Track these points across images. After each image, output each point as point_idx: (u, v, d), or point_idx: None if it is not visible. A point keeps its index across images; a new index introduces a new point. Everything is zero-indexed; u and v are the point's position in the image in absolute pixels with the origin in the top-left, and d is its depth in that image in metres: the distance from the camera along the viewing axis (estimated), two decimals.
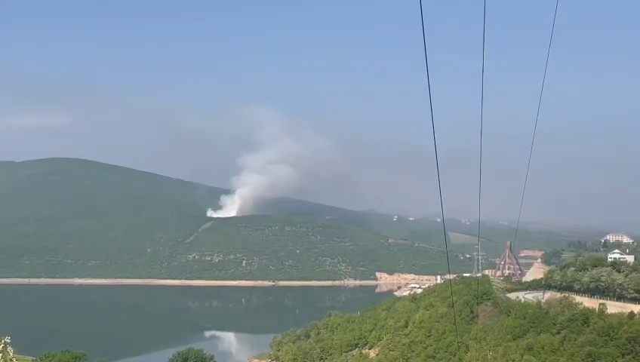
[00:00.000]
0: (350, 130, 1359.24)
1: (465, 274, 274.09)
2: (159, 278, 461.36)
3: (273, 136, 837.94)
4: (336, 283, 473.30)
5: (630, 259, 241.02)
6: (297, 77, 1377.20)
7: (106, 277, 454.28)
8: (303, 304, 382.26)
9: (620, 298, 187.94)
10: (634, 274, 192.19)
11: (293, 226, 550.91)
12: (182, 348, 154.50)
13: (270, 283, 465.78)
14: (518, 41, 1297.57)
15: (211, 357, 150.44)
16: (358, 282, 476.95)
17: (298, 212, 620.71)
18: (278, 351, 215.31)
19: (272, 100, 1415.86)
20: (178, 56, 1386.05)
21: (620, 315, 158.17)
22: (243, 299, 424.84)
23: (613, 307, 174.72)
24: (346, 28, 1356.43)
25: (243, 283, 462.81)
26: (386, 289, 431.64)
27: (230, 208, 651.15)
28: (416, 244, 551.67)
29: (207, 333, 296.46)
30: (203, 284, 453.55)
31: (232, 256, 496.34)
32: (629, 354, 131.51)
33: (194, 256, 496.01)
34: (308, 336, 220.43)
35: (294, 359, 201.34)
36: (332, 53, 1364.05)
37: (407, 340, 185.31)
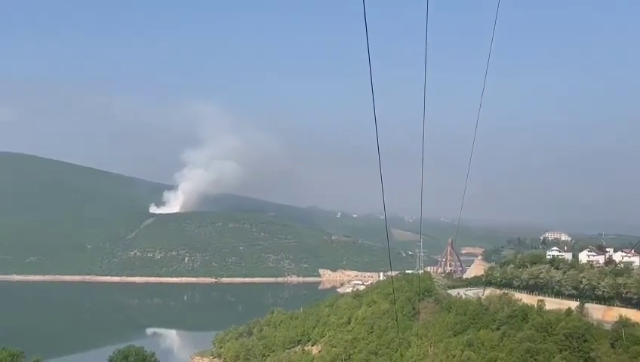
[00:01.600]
0: (296, 127, 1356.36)
1: (407, 271, 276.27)
2: (99, 275, 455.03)
3: (217, 132, 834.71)
4: (280, 279, 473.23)
5: (568, 256, 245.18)
6: (242, 73, 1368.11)
7: (44, 274, 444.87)
8: (246, 301, 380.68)
9: (558, 294, 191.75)
10: (571, 272, 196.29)
11: (236, 223, 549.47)
12: (122, 346, 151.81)
13: (213, 279, 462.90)
14: (462, 42, 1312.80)
15: (152, 355, 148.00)
16: (301, 279, 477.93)
17: (242, 208, 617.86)
18: (221, 348, 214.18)
19: (216, 96, 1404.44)
20: (118, 51, 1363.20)
21: (557, 311, 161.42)
22: (185, 296, 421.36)
23: (552, 303, 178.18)
24: (292, 25, 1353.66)
25: (185, 279, 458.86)
26: (329, 286, 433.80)
27: (173, 204, 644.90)
28: (359, 241, 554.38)
29: (149, 331, 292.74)
30: (144, 281, 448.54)
31: (174, 253, 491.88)
32: (566, 349, 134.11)
33: (135, 253, 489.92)
34: (250, 333, 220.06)
35: (237, 356, 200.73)
36: (278, 50, 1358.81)
37: (350, 336, 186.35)
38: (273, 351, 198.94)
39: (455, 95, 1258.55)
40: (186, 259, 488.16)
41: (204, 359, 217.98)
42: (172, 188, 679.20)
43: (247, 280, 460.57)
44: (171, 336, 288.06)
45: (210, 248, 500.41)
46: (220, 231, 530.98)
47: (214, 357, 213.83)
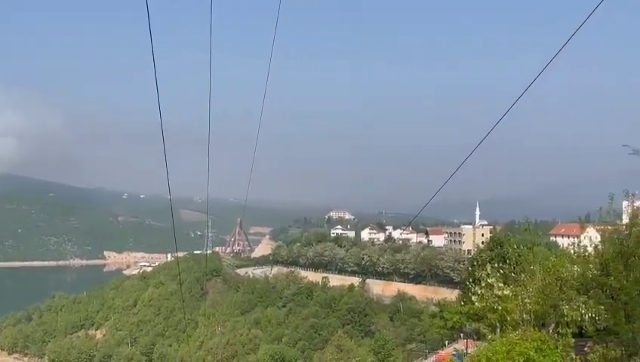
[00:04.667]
0: (81, 106, 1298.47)
1: (196, 252, 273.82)
2: None
3: None
4: (62, 263, 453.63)
5: (351, 234, 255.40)
6: (25, 48, 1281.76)
7: None
8: (25, 286, 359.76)
9: (342, 271, 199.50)
10: (354, 249, 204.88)
11: (14, 204, 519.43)
12: None
13: None
14: (249, 23, 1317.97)
15: None
16: (85, 261, 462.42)
17: (20, 189, 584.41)
18: None
19: None
20: None
21: (341, 288, 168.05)
22: None
23: (336, 280, 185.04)
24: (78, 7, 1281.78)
25: None
26: (114, 269, 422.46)
27: None
28: (147, 222, 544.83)
29: None
30: None
31: None
32: (348, 324, 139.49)
33: None
34: (30, 319, 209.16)
35: (14, 343, 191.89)
36: (64, 27, 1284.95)
37: (136, 319, 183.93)
38: (54, 336, 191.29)
39: (246, 73, 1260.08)
40: None
41: None
42: None
43: (26, 264, 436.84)
44: None
45: None
46: None
47: None
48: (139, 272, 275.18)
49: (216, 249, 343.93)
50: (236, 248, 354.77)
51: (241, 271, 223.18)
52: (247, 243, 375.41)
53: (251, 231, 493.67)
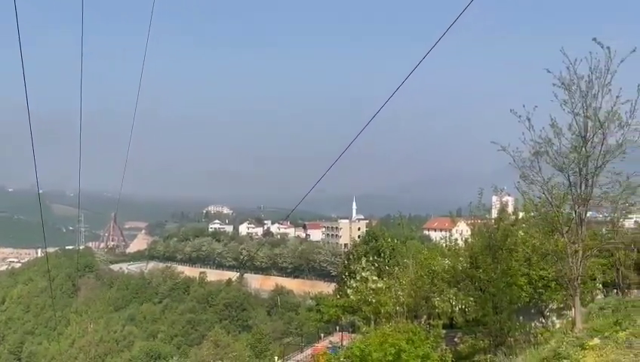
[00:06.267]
0: None
1: (68, 247, 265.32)
2: None
3: None
4: None
5: (229, 229, 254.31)
6: None
7: None
8: None
9: (220, 266, 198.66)
10: (232, 244, 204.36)
11: None
12: None
13: None
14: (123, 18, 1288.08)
15: None
16: None
17: None
18: None
19: None
20: None
21: (218, 283, 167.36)
22: None
23: (214, 275, 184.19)
24: None
25: None
26: None
27: None
28: (15, 217, 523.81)
29: None
30: None
31: None
32: (226, 319, 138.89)
33: None
34: None
35: None
36: None
37: (4, 317, 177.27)
38: None
39: (124, 73, 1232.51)
40: None
41: None
42: None
43: None
44: None
45: None
46: None
47: None
48: (7, 268, 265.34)
49: (90, 244, 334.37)
50: (110, 243, 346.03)
51: (116, 267, 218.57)
52: (122, 238, 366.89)
53: (126, 226, 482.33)
